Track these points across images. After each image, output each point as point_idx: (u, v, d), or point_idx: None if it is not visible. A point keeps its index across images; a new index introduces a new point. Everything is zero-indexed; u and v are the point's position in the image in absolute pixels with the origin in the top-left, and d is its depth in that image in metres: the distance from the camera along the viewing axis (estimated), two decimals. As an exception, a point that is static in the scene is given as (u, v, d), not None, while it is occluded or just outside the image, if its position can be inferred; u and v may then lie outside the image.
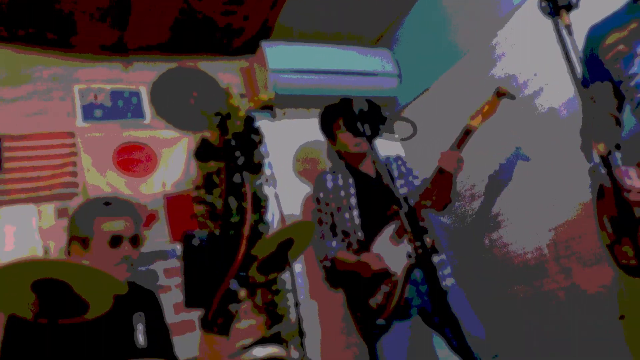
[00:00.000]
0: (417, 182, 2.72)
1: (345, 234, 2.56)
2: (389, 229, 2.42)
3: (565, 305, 2.55)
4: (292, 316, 2.57)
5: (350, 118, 2.43)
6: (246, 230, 1.35)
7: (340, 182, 2.67)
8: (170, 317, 2.28)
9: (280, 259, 1.68)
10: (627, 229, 1.61)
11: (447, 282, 2.47)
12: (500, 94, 2.37)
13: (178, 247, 2.68)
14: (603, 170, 1.66)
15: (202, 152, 2.71)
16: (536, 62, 2.60)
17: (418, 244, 2.02)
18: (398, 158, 2.82)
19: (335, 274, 2.59)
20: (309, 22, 3.41)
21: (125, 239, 1.77)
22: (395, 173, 2.71)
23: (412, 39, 3.52)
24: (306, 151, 3.27)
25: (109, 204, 1.79)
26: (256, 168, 2.90)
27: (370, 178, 2.65)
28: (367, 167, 2.71)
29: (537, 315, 2.68)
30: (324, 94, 3.36)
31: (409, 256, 2.29)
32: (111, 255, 1.73)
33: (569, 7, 1.49)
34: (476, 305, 2.50)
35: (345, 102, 2.68)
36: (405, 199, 2.55)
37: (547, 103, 2.56)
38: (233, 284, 1.33)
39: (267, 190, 2.90)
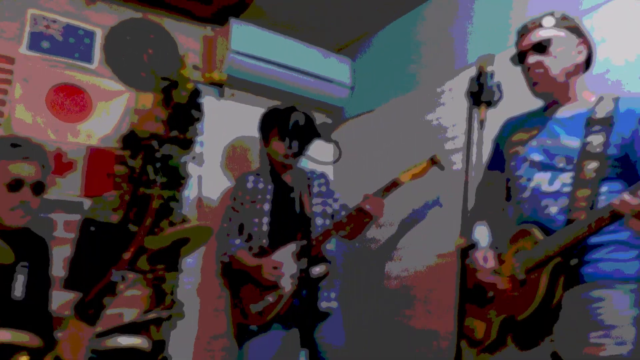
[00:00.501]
0: (335, 206, 2.84)
1: (250, 237, 2.68)
2: (292, 246, 2.54)
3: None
4: (177, 297, 2.67)
5: (286, 129, 2.54)
6: (141, 233, 1.43)
7: (261, 186, 2.77)
8: (59, 270, 2.36)
9: (171, 254, 1.77)
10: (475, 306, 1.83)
11: (331, 305, 2.62)
12: (433, 161, 2.55)
13: (86, 202, 2.72)
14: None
15: (128, 141, 2.77)
16: (459, 126, 2.75)
17: (304, 269, 2.20)
18: (322, 176, 2.93)
19: (229, 271, 2.72)
20: (284, 11, 3.42)
21: (27, 184, 1.78)
22: (315, 190, 2.83)
23: (375, 56, 3.60)
24: (240, 143, 3.33)
25: (18, 146, 1.79)
26: (187, 144, 2.97)
27: (289, 188, 2.76)
28: (289, 178, 2.81)
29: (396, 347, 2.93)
30: (277, 87, 3.43)
31: (296, 277, 2.44)
32: (8, 199, 1.75)
33: (489, 104, 1.63)
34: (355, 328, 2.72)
35: (287, 111, 2.77)
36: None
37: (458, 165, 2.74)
38: (115, 277, 1.41)
39: (192, 168, 2.96)
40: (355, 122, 3.59)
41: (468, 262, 1.73)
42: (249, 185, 2.79)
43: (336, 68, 3.62)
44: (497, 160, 1.99)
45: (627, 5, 2.19)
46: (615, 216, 1.43)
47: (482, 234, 1.92)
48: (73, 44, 2.92)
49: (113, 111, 2.95)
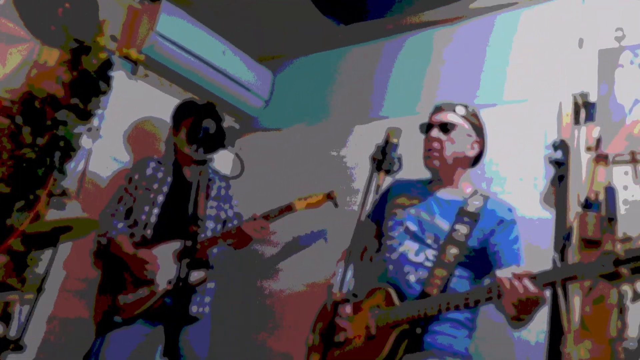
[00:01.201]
0: (230, 213, 2.86)
1: (135, 223, 2.60)
2: (176, 244, 2.52)
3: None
4: (39, 270, 2.50)
5: (196, 129, 2.53)
6: (25, 227, 1.36)
7: (160, 175, 2.71)
8: None
9: (49, 239, 1.69)
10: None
11: (203, 310, 2.64)
12: (329, 197, 2.70)
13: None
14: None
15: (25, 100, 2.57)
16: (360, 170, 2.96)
17: (183, 274, 2.19)
18: (225, 179, 2.94)
19: (104, 254, 2.61)
20: (216, 6, 3.39)
21: None
22: (214, 192, 2.82)
23: (295, 77, 3.70)
24: (149, 124, 3.22)
25: None
26: (86, 115, 2.81)
27: (187, 184, 2.72)
28: (189, 173, 2.78)
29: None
30: (194, 80, 3.38)
31: (169, 282, 2.43)
32: None
33: (388, 172, 1.79)
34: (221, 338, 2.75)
35: (206, 109, 2.75)
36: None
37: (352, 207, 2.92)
38: None
39: (85, 141, 2.80)
40: (263, 135, 3.64)
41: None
42: (149, 171, 2.71)
43: (256, 77, 3.64)
44: (379, 213, 2.17)
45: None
46: (493, 298, 1.60)
47: (343, 276, 2.09)
48: (-21, -28, 2.64)
49: (10, 57, 2.69)
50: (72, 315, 2.76)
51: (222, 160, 3.20)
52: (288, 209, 2.70)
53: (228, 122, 3.63)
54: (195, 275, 2.45)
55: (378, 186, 1.76)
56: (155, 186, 2.68)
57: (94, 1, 3.07)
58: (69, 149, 2.66)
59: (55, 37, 2.83)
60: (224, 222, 2.83)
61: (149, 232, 2.58)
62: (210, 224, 2.74)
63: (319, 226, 2.98)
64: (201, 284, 2.54)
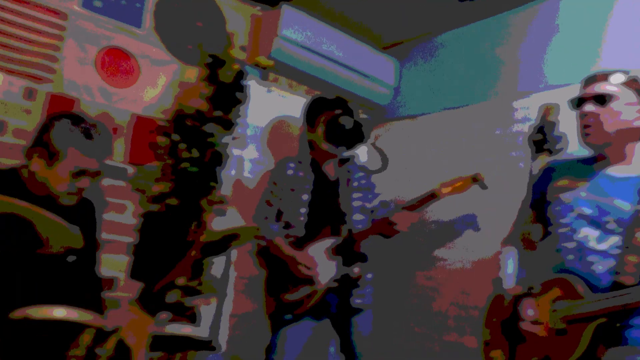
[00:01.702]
0: (375, 202, 2.85)
1: (287, 225, 2.68)
2: (328, 241, 2.57)
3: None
4: (213, 272, 2.70)
5: (333, 126, 2.55)
6: (203, 238, 1.46)
7: (301, 174, 2.75)
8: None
9: (220, 246, 1.81)
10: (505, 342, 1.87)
11: (364, 301, 2.64)
12: (475, 179, 2.56)
13: (129, 169, 2.74)
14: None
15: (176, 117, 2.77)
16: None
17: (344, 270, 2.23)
18: (363, 169, 2.88)
19: (266, 254, 2.72)
20: (335, 1, 3.39)
21: (88, 172, 1.82)
22: (355, 184, 2.79)
23: (428, 60, 3.58)
24: (283, 122, 3.33)
25: (90, 138, 1.80)
26: (229, 125, 2.97)
27: (329, 180, 2.76)
28: (329, 169, 2.81)
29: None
30: (321, 78, 3.43)
31: (334, 280, 2.48)
32: (67, 183, 1.79)
33: (551, 152, 1.67)
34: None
35: (338, 104, 2.76)
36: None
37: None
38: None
39: (233, 150, 2.97)
40: (396, 124, 3.59)
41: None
42: (289, 172, 2.76)
43: (381, 67, 3.61)
44: (538, 197, 1.98)
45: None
46: None
47: (511, 266, 1.97)
48: (124, 6, 2.88)
49: (158, 80, 2.93)
50: (247, 312, 2.96)
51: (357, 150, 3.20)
52: (432, 196, 2.62)
53: (359, 114, 3.63)
54: (357, 271, 2.48)
55: (539, 169, 1.63)
56: (299, 187, 2.73)
57: (221, 16, 3.24)
58: (220, 158, 2.84)
59: (193, 55, 3.03)
60: (371, 212, 2.82)
61: (300, 232, 2.65)
62: (357, 216, 2.74)
63: (468, 211, 2.88)
64: (360, 277, 2.57)
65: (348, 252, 2.34)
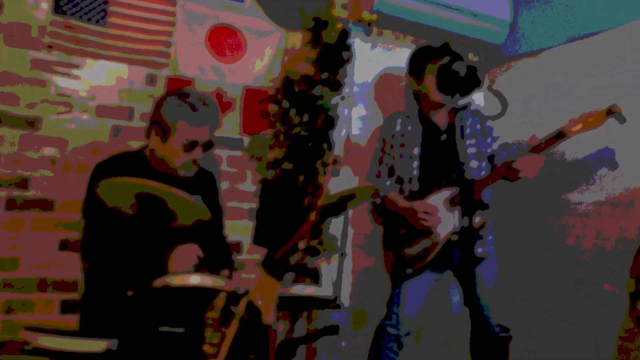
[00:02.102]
0: (495, 146, 2.69)
1: (400, 180, 2.63)
2: (445, 192, 2.49)
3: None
4: (332, 231, 2.77)
5: (445, 72, 2.41)
6: (320, 201, 1.48)
7: (409, 128, 2.67)
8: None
9: (338, 208, 1.82)
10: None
11: (489, 249, 2.57)
12: (610, 112, 2.29)
13: (245, 139, 2.87)
14: None
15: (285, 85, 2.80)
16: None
17: (465, 221, 2.14)
18: (476, 113, 2.74)
19: (382, 210, 2.71)
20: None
21: (200, 145, 1.91)
22: (468, 131, 2.65)
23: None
24: (388, 77, 3.24)
25: (196, 110, 1.89)
26: (336, 85, 2.95)
27: (440, 130, 2.65)
28: (439, 118, 2.67)
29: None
30: (427, 24, 3.24)
31: (454, 232, 2.40)
32: (183, 157, 1.89)
33: None
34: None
35: (444, 51, 2.61)
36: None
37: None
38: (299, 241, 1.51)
39: (343, 110, 2.96)
40: (514, 64, 3.31)
41: None
42: (397, 128, 2.69)
43: (493, 2, 3.31)
44: None
45: None
46: None
47: None
48: (227, -17, 2.95)
49: (264, 51, 2.99)
50: (366, 267, 3.00)
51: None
52: (561, 135, 2.39)
53: (470, 58, 3.40)
54: (478, 221, 2.37)
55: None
56: (409, 141, 2.65)
57: (320, -24, 3.18)
58: (330, 120, 2.84)
59: (295, 21, 3.03)
60: (491, 157, 2.66)
61: (414, 185, 2.59)
62: (473, 163, 2.60)
63: (603, 145, 2.59)
64: (482, 227, 2.46)
65: (468, 201, 2.22)
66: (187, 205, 1.57)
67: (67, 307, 2.48)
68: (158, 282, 1.49)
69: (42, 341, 1.35)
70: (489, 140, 2.68)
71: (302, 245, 1.41)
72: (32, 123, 2.45)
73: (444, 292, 2.81)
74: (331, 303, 1.74)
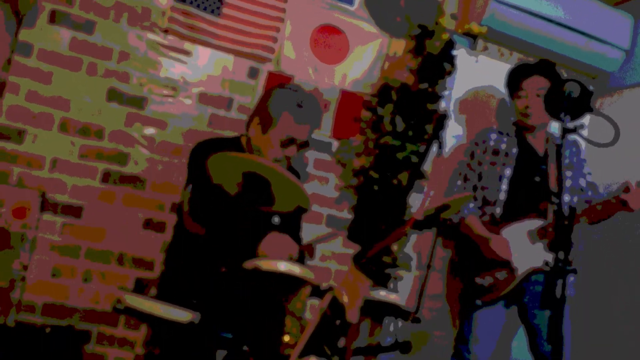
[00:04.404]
0: (583, 182, 2.53)
1: (485, 202, 2.50)
2: (531, 222, 2.34)
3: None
4: (407, 249, 2.69)
5: (556, 94, 2.27)
6: (418, 216, 1.43)
7: (503, 146, 2.54)
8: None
9: (434, 219, 1.76)
10: None
11: (570, 292, 2.40)
12: None
13: (335, 144, 2.86)
14: None
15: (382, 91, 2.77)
16: None
17: (559, 256, 1.98)
18: (574, 144, 2.59)
19: (454, 233, 2.58)
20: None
21: (297, 141, 1.92)
22: (566, 161, 2.51)
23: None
24: (480, 94, 3.12)
25: (301, 107, 1.90)
26: (433, 98, 2.88)
27: (536, 155, 2.50)
28: (537, 142, 2.54)
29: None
30: (536, 43, 3.11)
31: (546, 264, 2.23)
32: (277, 151, 1.90)
33: None
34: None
35: (545, 69, 2.46)
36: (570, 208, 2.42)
37: None
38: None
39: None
40: (626, 93, 3.10)
41: None
42: (491, 143, 2.57)
43: (611, 25, 3.12)
44: None
45: None
46: None
47: None
48: (339, -16, 2.96)
49: (365, 55, 2.97)
50: (436, 292, 2.89)
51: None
52: None
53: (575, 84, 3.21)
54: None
55: None
56: (501, 160, 2.51)
57: (430, -15, 3.13)
58: (423, 133, 2.77)
59: (401, 27, 3.00)
60: (581, 191, 2.49)
61: (498, 210, 2.45)
62: (566, 197, 2.44)
63: None
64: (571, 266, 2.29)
65: (558, 237, 2.04)
66: (293, 190, 1.55)
67: (140, 285, 2.53)
68: (248, 264, 1.49)
69: (131, 301, 1.39)
70: (584, 171, 2.52)
71: (395, 248, 1.36)
72: (138, 102, 2.56)
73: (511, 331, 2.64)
74: (411, 314, 1.67)
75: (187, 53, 2.64)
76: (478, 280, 2.38)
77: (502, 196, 2.46)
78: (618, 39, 3.14)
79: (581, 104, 2.16)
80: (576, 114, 2.21)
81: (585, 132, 2.77)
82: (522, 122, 2.58)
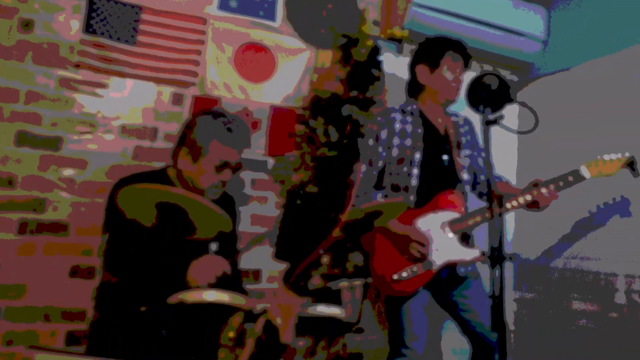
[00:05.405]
0: (480, 162, 2.46)
1: (395, 188, 2.31)
2: (446, 214, 2.26)
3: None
4: (356, 260, 2.62)
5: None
6: (344, 217, 1.37)
7: (409, 128, 2.35)
8: (246, 226, 2.44)
9: (364, 225, 1.68)
10: None
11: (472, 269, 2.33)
12: (628, 164, 2.21)
13: (271, 162, 2.78)
14: None
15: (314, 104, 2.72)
16: None
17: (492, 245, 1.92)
18: (466, 122, 2.50)
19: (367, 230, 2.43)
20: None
21: (230, 166, 1.87)
22: (463, 140, 2.42)
23: (580, 6, 3.11)
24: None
25: (231, 131, 1.84)
26: (367, 104, 2.85)
27: (439, 136, 2.38)
28: (440, 123, 2.40)
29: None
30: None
31: (482, 254, 2.18)
32: (211, 177, 1.84)
33: None
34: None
35: (458, 47, 2.42)
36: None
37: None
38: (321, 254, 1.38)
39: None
40: (546, 81, 3.17)
41: None
42: (396, 125, 2.35)
43: (527, 19, 3.21)
44: None
45: None
46: None
47: None
48: (258, 2, 2.92)
49: (293, 70, 2.93)
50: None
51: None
52: (577, 177, 2.23)
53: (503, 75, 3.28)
54: (470, 254, 2.20)
55: None
56: (409, 142, 2.33)
57: (353, -5, 3.14)
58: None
59: (326, 38, 2.98)
60: (476, 174, 2.47)
61: (411, 197, 2.28)
62: (464, 176, 2.37)
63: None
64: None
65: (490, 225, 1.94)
66: (210, 215, 1.46)
67: (72, 339, 2.33)
68: (172, 299, 1.38)
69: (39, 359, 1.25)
70: (476, 153, 2.46)
71: (325, 260, 1.28)
72: (53, 143, 2.40)
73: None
74: (352, 327, 1.58)
75: (103, 86, 2.52)
76: (395, 275, 2.25)
77: (415, 182, 2.29)
78: (534, 31, 3.22)
79: (501, 96, 2.15)
80: (497, 106, 2.19)
81: (507, 122, 2.80)
82: (430, 105, 2.42)
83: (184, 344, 1.37)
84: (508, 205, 2.26)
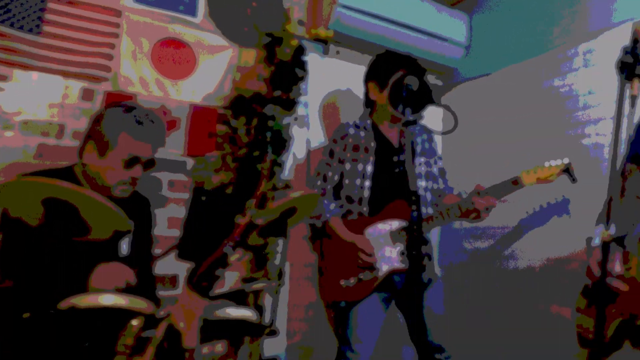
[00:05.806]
0: (435, 169, 2.55)
1: (349, 200, 2.42)
2: (394, 223, 2.32)
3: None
4: (277, 261, 2.56)
5: (398, 88, 2.28)
6: (254, 204, 1.30)
7: (362, 142, 2.46)
8: (162, 230, 2.32)
9: (280, 225, 1.63)
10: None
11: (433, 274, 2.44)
12: (565, 171, 2.28)
13: (190, 161, 2.66)
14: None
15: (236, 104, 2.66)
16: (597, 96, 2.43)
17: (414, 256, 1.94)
18: (425, 131, 2.59)
19: (320, 235, 2.49)
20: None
21: (141, 162, 1.75)
22: (418, 149, 2.51)
23: (496, 12, 3.23)
24: (340, 97, 3.13)
25: (141, 123, 1.73)
26: (290, 104, 2.80)
27: (393, 148, 2.46)
28: (393, 135, 2.49)
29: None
30: (385, 45, 3.16)
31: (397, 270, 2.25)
32: (119, 173, 1.72)
33: None
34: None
35: (408, 64, 2.44)
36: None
37: (591, 140, 2.43)
38: (227, 250, 1.31)
39: (296, 130, 2.80)
40: (469, 85, 3.27)
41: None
42: (350, 140, 2.46)
43: (450, 25, 3.29)
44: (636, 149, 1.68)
45: None
46: None
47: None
48: (179, -4, 2.81)
49: (216, 68, 2.83)
50: (306, 302, 2.85)
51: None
52: (515, 183, 2.31)
53: (429, 80, 3.34)
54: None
55: (633, 97, 1.37)
56: (362, 156, 2.43)
57: (277, -6, 3.09)
58: (282, 141, 2.68)
59: (250, 37, 2.90)
60: (434, 178, 2.54)
61: (365, 209, 2.38)
62: (421, 183, 2.45)
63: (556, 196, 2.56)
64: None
65: (416, 239, 1.98)
66: (104, 213, 1.34)
67: None
68: (63, 304, 1.26)
69: None
70: (432, 161, 2.55)
71: (235, 258, 1.21)
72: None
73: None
74: (265, 329, 1.53)
75: (3, 78, 2.31)
76: (343, 281, 2.30)
77: (367, 193, 2.39)
78: (457, 36, 3.31)
79: (422, 97, 2.17)
80: (418, 107, 2.22)
81: (433, 126, 2.85)
82: (377, 112, 2.52)
83: (74, 354, 1.25)
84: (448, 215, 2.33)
